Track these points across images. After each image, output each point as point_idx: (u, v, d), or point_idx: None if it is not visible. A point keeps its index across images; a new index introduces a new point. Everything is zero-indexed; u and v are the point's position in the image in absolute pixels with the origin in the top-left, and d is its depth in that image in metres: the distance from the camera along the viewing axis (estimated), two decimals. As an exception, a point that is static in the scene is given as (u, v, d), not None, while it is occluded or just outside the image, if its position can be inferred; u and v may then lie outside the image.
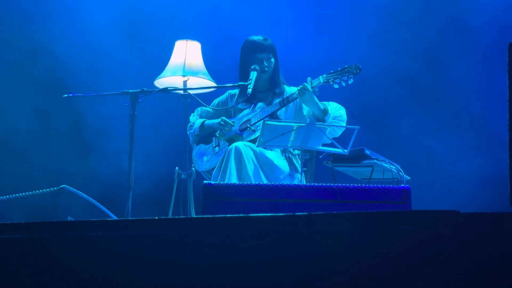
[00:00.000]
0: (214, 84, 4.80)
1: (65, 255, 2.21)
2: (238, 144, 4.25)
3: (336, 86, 4.37)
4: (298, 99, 4.44)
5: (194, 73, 4.77)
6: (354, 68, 4.35)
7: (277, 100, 4.49)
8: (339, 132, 4.34)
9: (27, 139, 5.80)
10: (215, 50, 5.59)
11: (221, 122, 4.50)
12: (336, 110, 4.43)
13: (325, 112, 4.39)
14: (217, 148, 4.54)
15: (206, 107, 4.70)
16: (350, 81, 4.36)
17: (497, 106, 5.44)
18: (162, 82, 4.81)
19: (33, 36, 5.86)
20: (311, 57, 5.72)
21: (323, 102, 4.43)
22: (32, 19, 5.88)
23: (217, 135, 4.57)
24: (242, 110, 4.62)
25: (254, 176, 4.16)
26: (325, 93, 4.54)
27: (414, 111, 5.81)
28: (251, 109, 4.58)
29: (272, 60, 4.57)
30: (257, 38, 4.57)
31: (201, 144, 4.65)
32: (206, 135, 4.65)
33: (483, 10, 5.65)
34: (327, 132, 4.16)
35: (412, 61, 5.81)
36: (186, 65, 4.77)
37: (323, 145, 4.20)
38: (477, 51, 5.69)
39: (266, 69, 4.55)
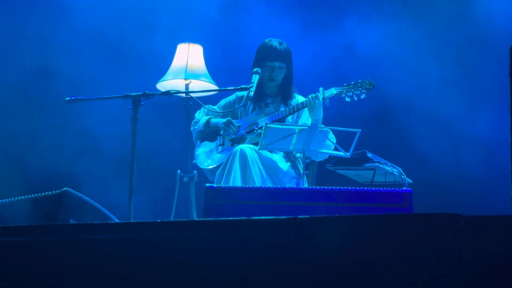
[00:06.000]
0: (216, 87, 4.80)
1: (68, 257, 2.22)
2: (244, 146, 4.24)
3: (347, 99, 4.38)
4: (301, 110, 4.45)
5: (196, 76, 4.78)
6: (367, 84, 4.35)
7: (285, 107, 4.49)
8: (325, 156, 4.36)
9: (27, 141, 5.81)
10: (217, 53, 5.59)
11: (227, 123, 4.49)
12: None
13: None
14: (221, 147, 4.54)
15: (213, 107, 4.71)
16: (362, 96, 4.36)
17: (497, 109, 5.44)
18: (164, 85, 4.82)
19: (33, 37, 5.87)
20: (315, 66, 5.72)
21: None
22: (32, 19, 5.89)
23: (222, 133, 4.57)
24: (250, 112, 4.62)
25: (259, 179, 4.16)
26: (330, 98, 4.53)
27: (416, 114, 5.81)
28: (259, 112, 4.58)
29: (284, 69, 4.54)
30: (274, 43, 4.52)
31: (206, 142, 4.64)
32: (211, 133, 4.64)
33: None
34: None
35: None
36: (188, 68, 4.77)
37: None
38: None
39: (274, 78, 4.53)
